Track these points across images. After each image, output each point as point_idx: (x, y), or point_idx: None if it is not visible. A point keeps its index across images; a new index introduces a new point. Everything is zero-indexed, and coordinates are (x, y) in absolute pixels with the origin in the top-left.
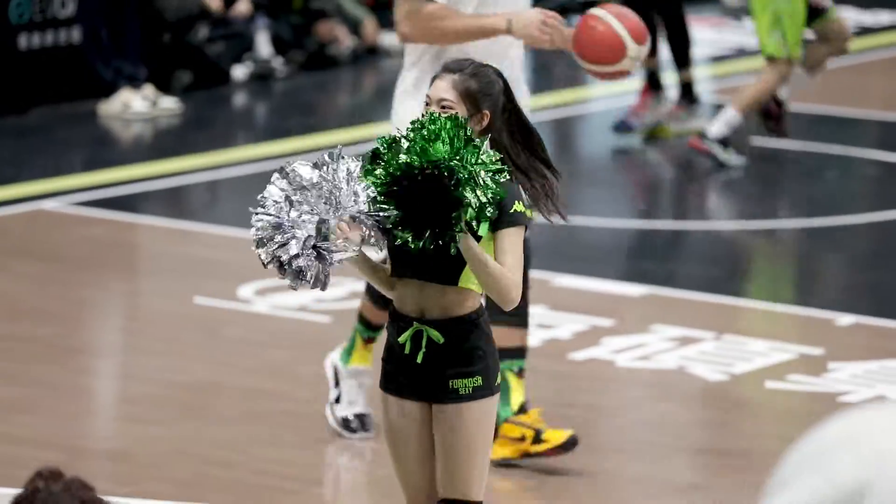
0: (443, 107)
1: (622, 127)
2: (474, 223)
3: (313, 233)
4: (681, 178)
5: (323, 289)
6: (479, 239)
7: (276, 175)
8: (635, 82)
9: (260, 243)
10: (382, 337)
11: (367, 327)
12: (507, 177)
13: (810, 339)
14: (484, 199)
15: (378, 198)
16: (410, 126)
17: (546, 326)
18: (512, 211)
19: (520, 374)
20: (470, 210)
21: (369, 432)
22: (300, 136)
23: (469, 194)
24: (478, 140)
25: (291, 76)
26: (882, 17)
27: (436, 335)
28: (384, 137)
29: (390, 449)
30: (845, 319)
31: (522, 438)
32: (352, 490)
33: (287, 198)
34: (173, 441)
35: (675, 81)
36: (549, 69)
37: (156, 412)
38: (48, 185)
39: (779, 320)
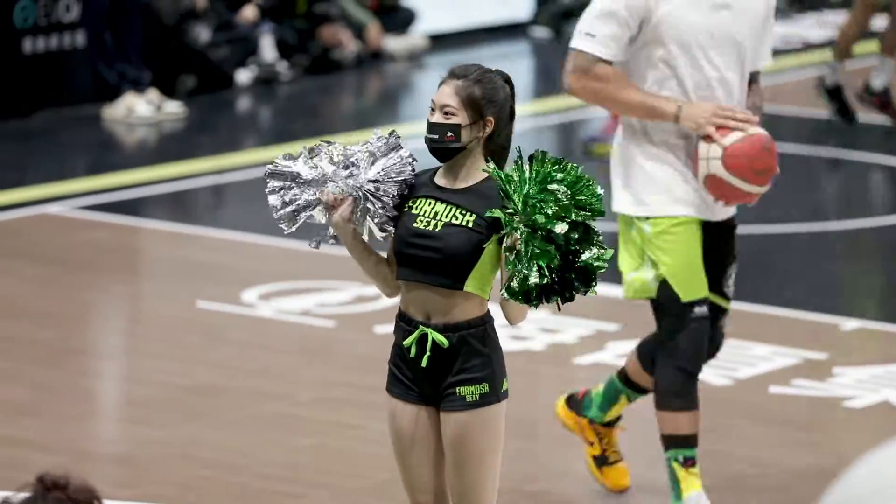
0: (445, 112)
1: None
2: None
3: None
4: None
5: (313, 246)
6: (482, 250)
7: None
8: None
9: (275, 175)
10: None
11: (634, 390)
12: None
13: (815, 344)
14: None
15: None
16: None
17: (551, 331)
18: None
19: (686, 463)
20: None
21: None
22: (305, 139)
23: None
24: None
25: (296, 80)
26: None
27: (440, 339)
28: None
29: (396, 453)
30: (850, 324)
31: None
32: (355, 494)
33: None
34: (176, 444)
35: None
36: (552, 73)
37: (159, 415)
38: (52, 188)
39: (783, 325)
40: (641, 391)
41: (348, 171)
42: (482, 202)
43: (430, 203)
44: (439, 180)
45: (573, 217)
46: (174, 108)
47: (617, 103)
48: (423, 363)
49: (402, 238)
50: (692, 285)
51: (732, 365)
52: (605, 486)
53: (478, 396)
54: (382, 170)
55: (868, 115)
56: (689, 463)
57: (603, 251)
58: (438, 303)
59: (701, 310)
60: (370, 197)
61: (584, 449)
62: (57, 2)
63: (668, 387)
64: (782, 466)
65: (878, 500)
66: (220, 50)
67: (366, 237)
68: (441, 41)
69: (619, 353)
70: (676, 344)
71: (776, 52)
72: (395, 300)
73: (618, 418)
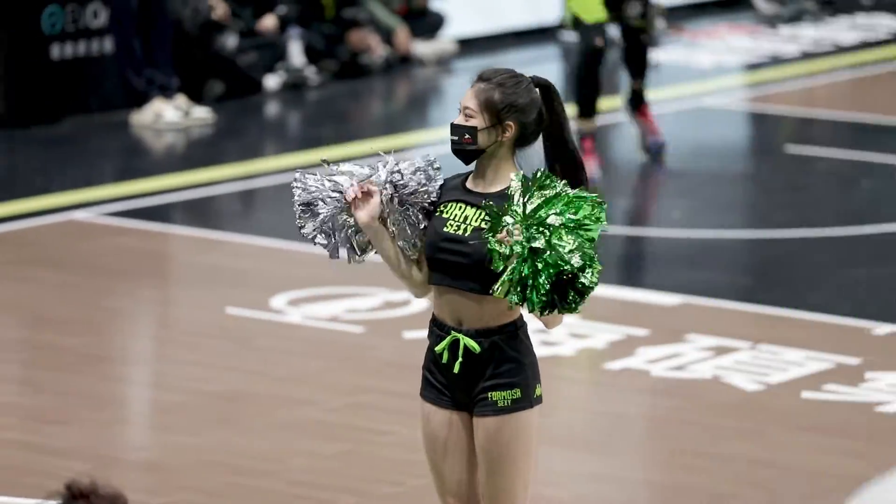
0: (466, 115)
1: (655, 149)
2: None
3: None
4: (715, 188)
5: (331, 256)
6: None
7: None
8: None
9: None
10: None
11: None
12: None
13: (847, 349)
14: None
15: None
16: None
17: (581, 336)
18: None
19: None
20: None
21: None
22: (333, 145)
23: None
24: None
25: (324, 85)
26: None
27: (472, 344)
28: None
29: (428, 457)
30: (882, 328)
31: None
32: (385, 500)
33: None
34: (205, 451)
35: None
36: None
37: (187, 422)
38: (80, 195)
39: (815, 329)
40: None
41: (368, 170)
42: None
43: (460, 207)
44: (470, 184)
45: (584, 251)
46: (202, 113)
47: None
48: (455, 369)
49: (433, 242)
50: None
51: (764, 370)
52: None
53: (510, 402)
54: (406, 163)
55: None
56: None
57: (595, 277)
58: (469, 308)
59: None
60: (395, 185)
61: None
62: (85, 8)
63: None
64: (815, 472)
65: None
66: (249, 55)
67: (407, 233)
68: (470, 46)
69: (649, 358)
70: None
71: (808, 56)
72: (425, 305)
73: None
